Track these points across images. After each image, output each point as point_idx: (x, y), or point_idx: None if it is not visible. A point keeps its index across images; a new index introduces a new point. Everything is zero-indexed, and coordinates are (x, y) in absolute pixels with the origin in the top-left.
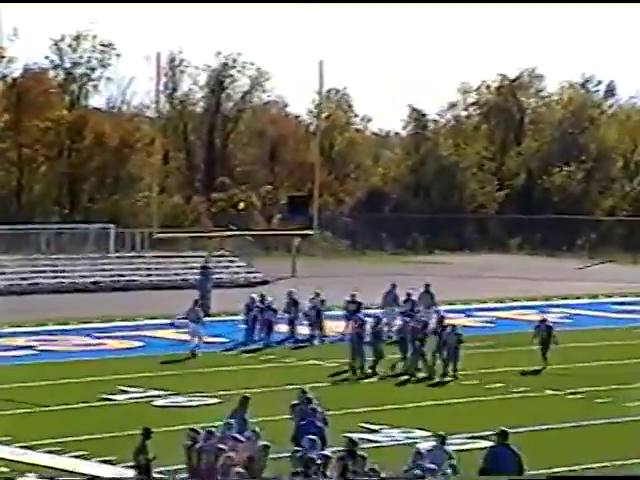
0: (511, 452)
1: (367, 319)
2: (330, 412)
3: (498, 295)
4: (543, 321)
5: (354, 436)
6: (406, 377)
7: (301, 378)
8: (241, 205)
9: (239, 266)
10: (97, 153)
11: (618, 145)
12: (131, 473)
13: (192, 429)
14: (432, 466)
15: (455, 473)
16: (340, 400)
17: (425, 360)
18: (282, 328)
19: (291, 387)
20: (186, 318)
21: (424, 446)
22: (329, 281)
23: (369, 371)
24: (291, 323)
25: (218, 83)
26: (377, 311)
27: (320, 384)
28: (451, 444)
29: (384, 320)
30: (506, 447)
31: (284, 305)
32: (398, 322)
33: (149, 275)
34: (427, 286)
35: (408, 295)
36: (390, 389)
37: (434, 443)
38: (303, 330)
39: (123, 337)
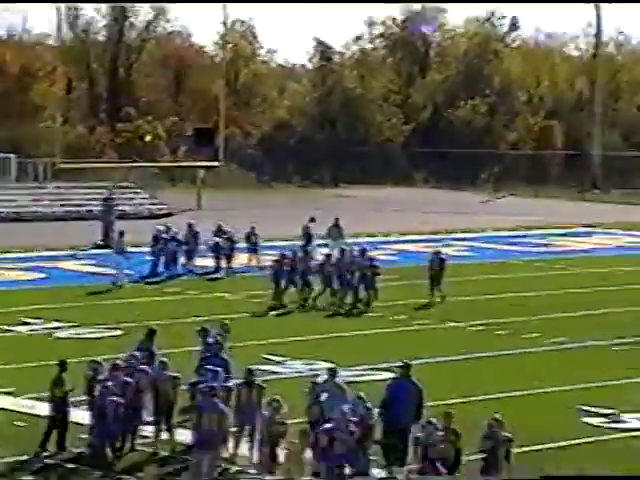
0: (412, 385)
1: (288, 253)
2: (233, 344)
3: (402, 228)
4: (437, 253)
5: (254, 367)
6: (308, 309)
7: (205, 310)
8: (147, 137)
9: (143, 198)
10: None
11: (522, 79)
12: (30, 404)
13: (93, 360)
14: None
15: (369, 410)
16: (244, 332)
17: (335, 292)
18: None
19: (196, 319)
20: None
21: (320, 379)
22: (235, 213)
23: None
24: (189, 254)
25: (121, 12)
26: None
27: (225, 316)
28: (354, 375)
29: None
30: (408, 380)
31: (183, 237)
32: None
33: (51, 206)
34: (336, 219)
35: (305, 229)
36: (294, 321)
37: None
38: (205, 262)
39: (24, 268)
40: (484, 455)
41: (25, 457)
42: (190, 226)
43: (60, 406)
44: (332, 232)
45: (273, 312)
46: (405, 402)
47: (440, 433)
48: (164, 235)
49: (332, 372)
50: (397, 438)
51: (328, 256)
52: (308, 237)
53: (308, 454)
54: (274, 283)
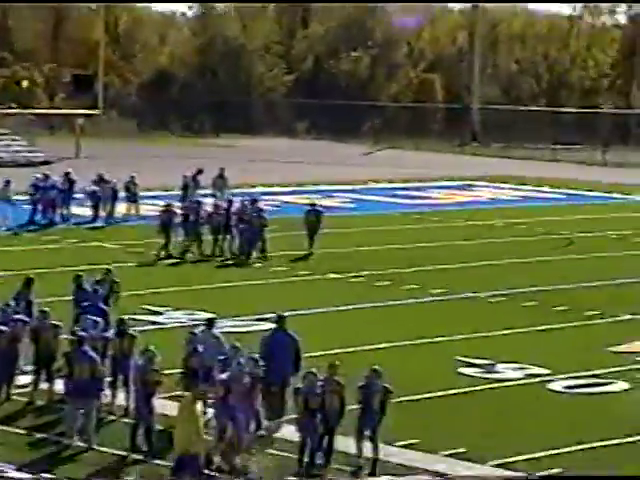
0: (289, 337)
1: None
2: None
3: (284, 180)
4: (313, 205)
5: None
6: (195, 259)
7: (84, 259)
8: (24, 83)
9: (20, 145)
10: None
11: (403, 32)
12: None
13: None
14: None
15: (256, 362)
16: (125, 282)
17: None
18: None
19: (72, 268)
20: None
21: (198, 330)
22: (114, 162)
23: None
24: (66, 203)
25: None
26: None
27: (105, 265)
28: (236, 326)
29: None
30: (284, 332)
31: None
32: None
33: None
34: (222, 170)
35: (184, 177)
36: (177, 271)
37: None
38: (81, 211)
39: None
40: (360, 405)
41: None
42: (67, 174)
43: None
44: (217, 183)
45: (161, 262)
46: (282, 354)
47: (320, 383)
48: (42, 183)
49: (209, 323)
50: (276, 391)
51: (216, 206)
52: (186, 187)
53: (199, 406)
54: (163, 233)
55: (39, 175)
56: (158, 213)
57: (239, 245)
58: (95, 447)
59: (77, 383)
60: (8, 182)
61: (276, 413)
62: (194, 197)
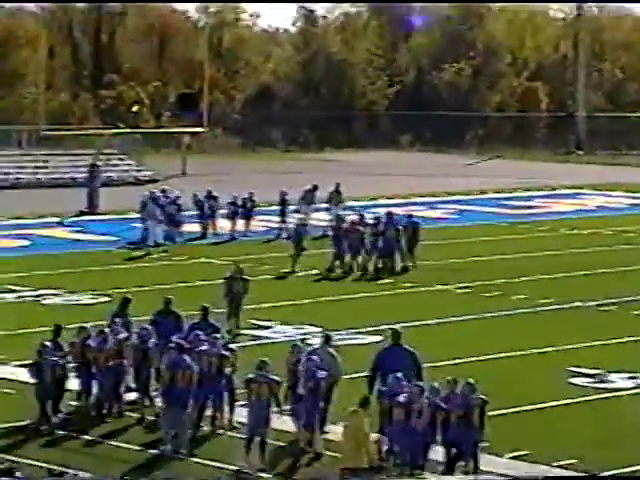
0: (405, 352)
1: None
2: (221, 310)
3: (389, 192)
4: (410, 217)
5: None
6: (289, 272)
7: (193, 276)
8: (134, 107)
9: (128, 164)
10: None
11: (505, 41)
12: (25, 371)
13: (81, 327)
14: (323, 374)
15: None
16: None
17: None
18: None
19: (182, 285)
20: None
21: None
22: (220, 179)
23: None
24: (177, 222)
25: None
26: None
27: (211, 282)
28: (343, 339)
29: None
30: (399, 347)
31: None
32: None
33: (36, 173)
34: (337, 185)
35: (282, 195)
36: (282, 285)
37: (320, 342)
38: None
39: (10, 236)
40: (458, 420)
41: (24, 423)
42: (164, 191)
43: (59, 370)
44: (333, 197)
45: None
46: (398, 369)
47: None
48: (162, 199)
49: (327, 339)
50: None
51: (353, 222)
52: (284, 202)
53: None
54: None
55: (155, 192)
56: (293, 226)
57: (375, 259)
58: (184, 453)
59: (175, 391)
60: (146, 202)
61: None
62: (336, 211)
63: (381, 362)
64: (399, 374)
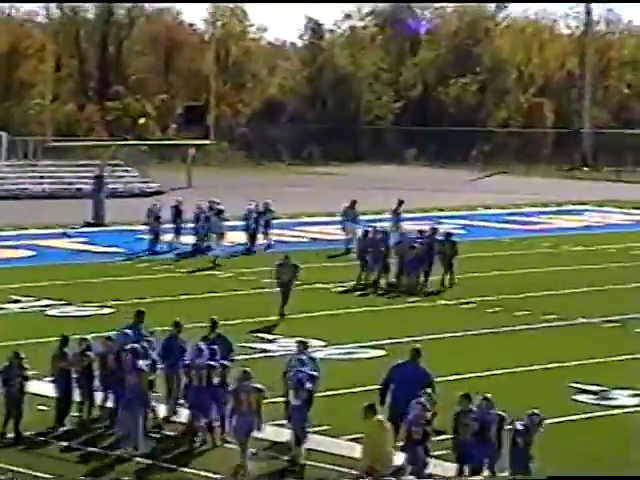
0: (420, 372)
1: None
2: (223, 322)
3: (393, 206)
4: (436, 232)
5: (248, 345)
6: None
7: (197, 288)
8: (141, 121)
9: (134, 176)
10: None
11: (512, 57)
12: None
13: (83, 338)
14: (314, 373)
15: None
16: (234, 310)
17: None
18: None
19: (185, 297)
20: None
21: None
22: (225, 192)
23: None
24: (177, 232)
25: None
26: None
27: (215, 294)
28: (347, 353)
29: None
30: (415, 366)
31: (170, 215)
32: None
33: (42, 184)
34: (353, 201)
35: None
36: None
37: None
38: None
39: (14, 246)
40: (474, 436)
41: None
42: (177, 204)
43: (65, 377)
44: (348, 213)
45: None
46: (409, 386)
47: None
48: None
49: (304, 345)
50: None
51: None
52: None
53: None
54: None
55: (156, 204)
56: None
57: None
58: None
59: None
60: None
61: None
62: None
63: (394, 377)
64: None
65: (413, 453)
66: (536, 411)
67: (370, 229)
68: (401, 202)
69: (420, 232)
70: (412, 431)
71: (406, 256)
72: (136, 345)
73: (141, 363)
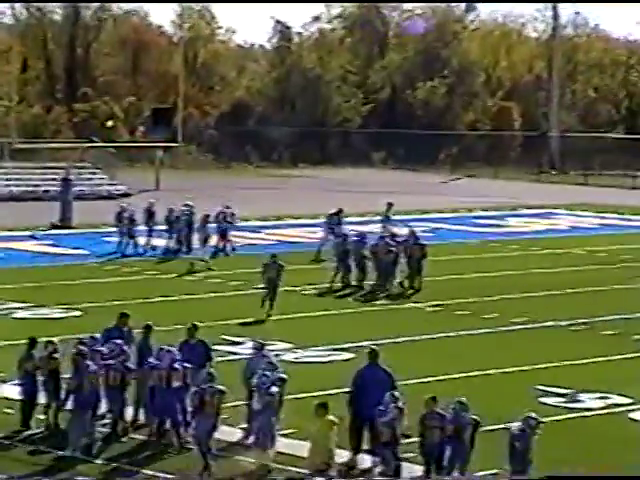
0: (382, 372)
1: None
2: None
3: (361, 209)
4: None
5: (216, 347)
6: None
7: (168, 290)
8: (109, 123)
9: (101, 178)
10: None
11: (480, 60)
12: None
13: (49, 341)
14: (284, 376)
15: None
16: (204, 312)
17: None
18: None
19: (156, 300)
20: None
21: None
22: (193, 194)
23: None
24: (149, 234)
25: None
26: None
27: (180, 297)
28: (316, 355)
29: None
30: (377, 367)
31: (142, 217)
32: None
33: (8, 186)
34: (340, 209)
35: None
36: (255, 302)
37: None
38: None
39: None
40: (448, 438)
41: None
42: (149, 206)
43: (32, 379)
44: (333, 219)
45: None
46: (376, 389)
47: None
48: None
49: (259, 345)
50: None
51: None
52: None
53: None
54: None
55: (124, 205)
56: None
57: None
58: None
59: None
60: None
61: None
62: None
63: (357, 381)
64: (396, 393)
65: (382, 455)
66: (532, 414)
67: (349, 232)
68: (390, 204)
69: (393, 235)
70: (384, 432)
71: (383, 259)
72: (82, 347)
73: (91, 365)
